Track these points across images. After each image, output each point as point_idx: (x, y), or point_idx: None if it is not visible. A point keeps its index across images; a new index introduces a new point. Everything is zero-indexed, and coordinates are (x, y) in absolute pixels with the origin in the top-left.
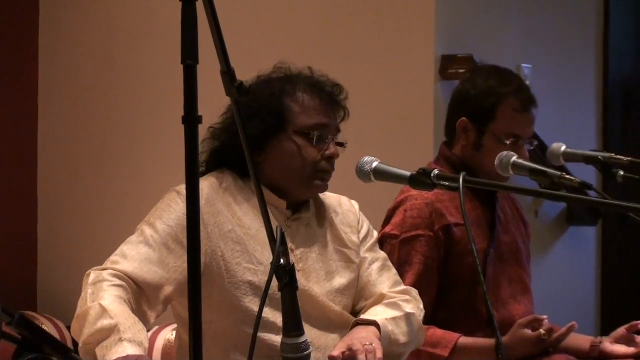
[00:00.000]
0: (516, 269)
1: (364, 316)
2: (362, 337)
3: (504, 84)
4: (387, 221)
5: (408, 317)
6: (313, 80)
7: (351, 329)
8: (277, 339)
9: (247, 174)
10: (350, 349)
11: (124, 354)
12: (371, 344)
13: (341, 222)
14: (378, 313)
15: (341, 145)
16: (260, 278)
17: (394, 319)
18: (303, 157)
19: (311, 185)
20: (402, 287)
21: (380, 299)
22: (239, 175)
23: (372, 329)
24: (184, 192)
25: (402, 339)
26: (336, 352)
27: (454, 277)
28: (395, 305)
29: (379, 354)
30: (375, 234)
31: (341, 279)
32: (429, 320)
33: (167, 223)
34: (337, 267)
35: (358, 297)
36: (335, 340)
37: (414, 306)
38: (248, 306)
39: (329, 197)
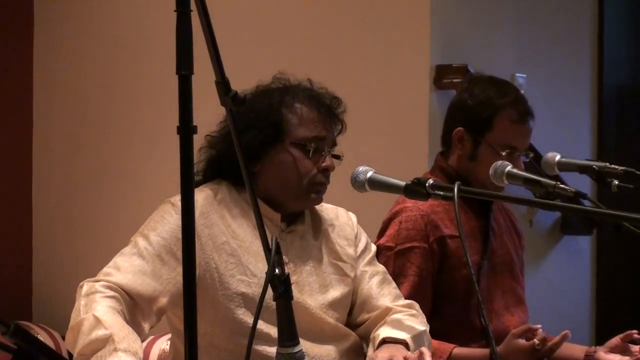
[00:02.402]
0: (509, 280)
1: (390, 335)
2: (392, 354)
3: (501, 95)
4: (381, 232)
5: (422, 334)
6: (312, 92)
7: (378, 346)
8: (271, 349)
9: (243, 183)
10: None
11: None
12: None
13: (337, 234)
14: (400, 333)
15: (337, 157)
16: (254, 290)
17: (413, 337)
18: (298, 169)
19: (306, 198)
20: (404, 300)
21: (385, 312)
22: (235, 185)
23: (401, 347)
24: (178, 203)
25: None
26: None
27: (447, 289)
28: (408, 323)
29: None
30: (374, 248)
31: (335, 292)
32: None
33: (161, 235)
34: (331, 280)
35: (359, 310)
36: (330, 351)
37: (421, 321)
38: (242, 318)
39: (326, 209)
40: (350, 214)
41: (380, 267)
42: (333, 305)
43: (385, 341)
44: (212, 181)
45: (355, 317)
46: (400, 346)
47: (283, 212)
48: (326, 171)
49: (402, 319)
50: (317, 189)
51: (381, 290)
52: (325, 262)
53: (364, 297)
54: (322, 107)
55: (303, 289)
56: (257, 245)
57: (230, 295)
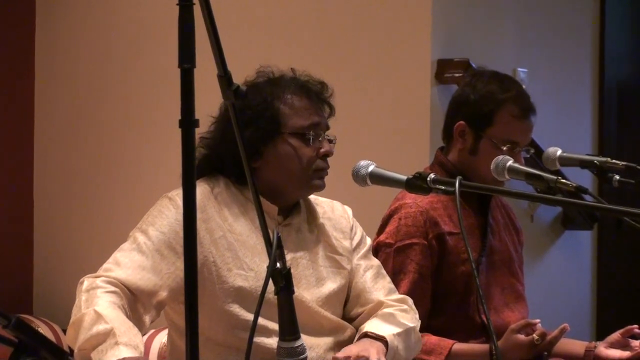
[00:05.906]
0: (508, 277)
1: (372, 330)
2: (364, 349)
3: (504, 90)
4: (381, 229)
5: (410, 331)
6: (299, 81)
7: (359, 338)
8: (267, 341)
9: (241, 179)
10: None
11: (121, 357)
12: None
13: (333, 227)
14: (384, 328)
15: (331, 141)
16: (251, 284)
17: (399, 334)
18: (300, 158)
19: (310, 185)
20: (398, 295)
21: (378, 307)
22: (232, 181)
23: (380, 344)
24: (176, 198)
25: (405, 353)
26: (341, 355)
27: (446, 286)
28: (397, 318)
29: None
30: (369, 241)
31: (331, 285)
32: (423, 328)
33: (160, 230)
34: (327, 273)
35: (353, 303)
36: (328, 342)
37: (412, 317)
38: (238, 312)
39: (321, 202)
40: (346, 207)
41: (375, 261)
42: (329, 298)
43: (366, 335)
44: (209, 175)
45: (349, 311)
46: (377, 343)
47: (280, 204)
48: (325, 156)
49: (392, 314)
50: (319, 174)
51: (375, 284)
52: (321, 256)
53: (358, 291)
54: (311, 94)
55: (299, 283)
56: (254, 240)
57: (228, 289)
